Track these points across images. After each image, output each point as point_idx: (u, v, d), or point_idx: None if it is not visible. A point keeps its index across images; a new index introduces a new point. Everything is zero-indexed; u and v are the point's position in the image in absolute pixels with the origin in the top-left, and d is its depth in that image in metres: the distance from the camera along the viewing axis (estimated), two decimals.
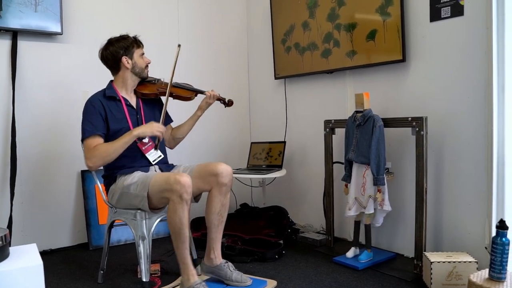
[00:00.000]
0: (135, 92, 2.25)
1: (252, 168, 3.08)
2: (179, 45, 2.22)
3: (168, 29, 3.18)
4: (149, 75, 2.29)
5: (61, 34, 2.67)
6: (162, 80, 2.31)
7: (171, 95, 2.24)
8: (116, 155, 2.02)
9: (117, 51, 2.15)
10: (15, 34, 2.56)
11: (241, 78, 3.61)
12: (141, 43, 2.23)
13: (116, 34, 2.22)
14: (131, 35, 2.22)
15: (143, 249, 1.98)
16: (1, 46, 2.55)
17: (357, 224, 2.45)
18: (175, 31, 3.22)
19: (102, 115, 2.08)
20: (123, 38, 2.19)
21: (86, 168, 2.79)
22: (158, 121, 2.15)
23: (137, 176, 2.04)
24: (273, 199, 3.30)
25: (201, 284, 1.85)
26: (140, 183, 1.98)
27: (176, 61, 2.19)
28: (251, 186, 3.44)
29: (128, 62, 2.16)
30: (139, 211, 2.00)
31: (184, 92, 2.29)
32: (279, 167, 2.97)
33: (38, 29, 2.58)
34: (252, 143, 3.25)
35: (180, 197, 1.83)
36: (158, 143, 2.16)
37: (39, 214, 2.70)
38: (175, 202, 1.84)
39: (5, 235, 1.50)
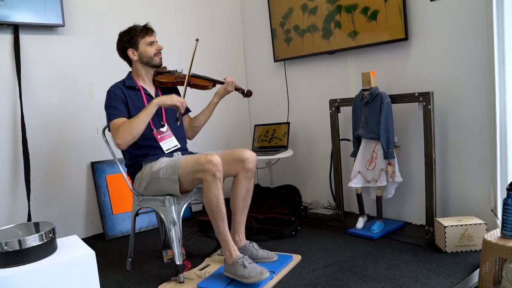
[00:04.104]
0: (154, 82, 2.28)
1: (258, 149, 3.16)
2: (197, 39, 2.26)
3: (165, 15, 3.18)
4: (167, 68, 2.33)
5: (63, 26, 2.64)
6: (180, 71, 2.34)
7: (188, 84, 2.29)
8: (143, 126, 2.02)
9: (123, 45, 2.19)
10: (16, 28, 2.51)
11: (237, 62, 3.63)
12: (149, 30, 2.21)
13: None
14: (143, 23, 2.22)
15: (175, 234, 2.04)
16: (3, 40, 2.50)
17: (359, 196, 2.59)
18: (173, 16, 3.21)
19: (123, 101, 2.12)
20: (129, 30, 2.20)
21: (96, 160, 2.82)
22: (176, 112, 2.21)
23: (164, 161, 2.08)
24: (279, 179, 3.40)
25: (244, 257, 1.92)
26: (169, 167, 2.02)
27: (194, 55, 2.25)
28: (257, 168, 3.51)
29: (134, 54, 2.18)
30: (167, 197, 2.05)
31: (202, 81, 2.34)
32: (285, 147, 3.06)
33: (39, 22, 2.53)
34: (255, 125, 3.32)
35: (213, 175, 1.89)
36: (180, 116, 2.17)
37: (52, 208, 2.70)
38: (209, 181, 1.90)
39: (53, 228, 1.53)
